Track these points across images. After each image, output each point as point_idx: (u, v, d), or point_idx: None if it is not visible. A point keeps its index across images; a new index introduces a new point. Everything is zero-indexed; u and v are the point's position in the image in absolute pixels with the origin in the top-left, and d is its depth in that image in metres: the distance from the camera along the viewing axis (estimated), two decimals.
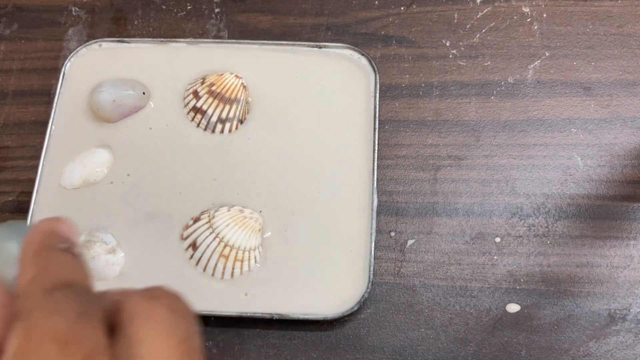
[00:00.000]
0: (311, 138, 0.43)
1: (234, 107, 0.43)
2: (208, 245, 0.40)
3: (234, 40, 0.46)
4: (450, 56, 0.46)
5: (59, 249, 0.20)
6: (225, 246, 0.39)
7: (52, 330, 0.16)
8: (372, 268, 0.39)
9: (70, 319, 0.17)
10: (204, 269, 0.40)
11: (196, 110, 0.43)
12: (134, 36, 0.48)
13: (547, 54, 0.46)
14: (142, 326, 0.18)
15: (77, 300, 0.18)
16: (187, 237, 0.41)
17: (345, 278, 0.40)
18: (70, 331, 0.16)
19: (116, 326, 0.18)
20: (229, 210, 0.41)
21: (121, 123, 0.44)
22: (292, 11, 0.48)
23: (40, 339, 0.16)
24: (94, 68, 0.46)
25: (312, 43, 0.45)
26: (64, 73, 0.46)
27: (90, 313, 0.17)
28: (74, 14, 0.50)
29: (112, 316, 0.18)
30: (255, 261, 0.40)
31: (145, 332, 0.18)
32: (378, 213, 0.42)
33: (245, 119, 0.44)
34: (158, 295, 0.19)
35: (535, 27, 0.47)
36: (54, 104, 0.45)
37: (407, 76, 0.46)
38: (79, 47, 0.46)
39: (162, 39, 0.46)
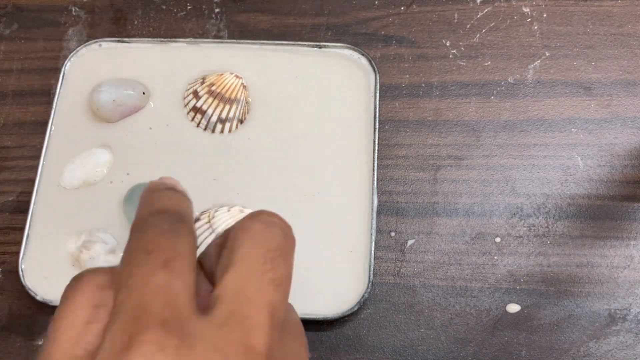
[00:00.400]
0: (311, 138, 0.43)
1: (234, 107, 0.43)
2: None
3: (234, 40, 0.46)
4: (451, 56, 0.46)
5: (162, 189, 0.25)
6: None
7: (140, 243, 0.21)
8: (372, 268, 0.39)
9: (156, 234, 0.21)
10: None
11: (196, 110, 0.43)
12: (134, 36, 0.48)
13: (547, 54, 0.46)
14: (240, 237, 0.22)
15: (166, 221, 0.22)
16: None
17: (345, 278, 0.40)
18: (154, 243, 0.21)
19: (227, 241, 0.22)
20: (229, 210, 0.41)
21: (121, 123, 0.44)
22: (292, 11, 0.48)
23: (134, 250, 0.21)
24: (93, 68, 0.46)
25: (312, 43, 0.45)
26: (63, 73, 0.46)
27: (176, 230, 0.21)
28: (73, 14, 0.50)
29: (226, 236, 0.23)
30: None
31: (241, 241, 0.22)
32: (378, 213, 0.42)
33: (245, 119, 0.44)
34: (259, 213, 0.23)
35: (536, 27, 0.47)
36: (54, 104, 0.45)
37: (407, 76, 0.46)
38: (79, 47, 0.46)
39: (162, 39, 0.46)
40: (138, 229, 0.22)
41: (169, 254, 0.20)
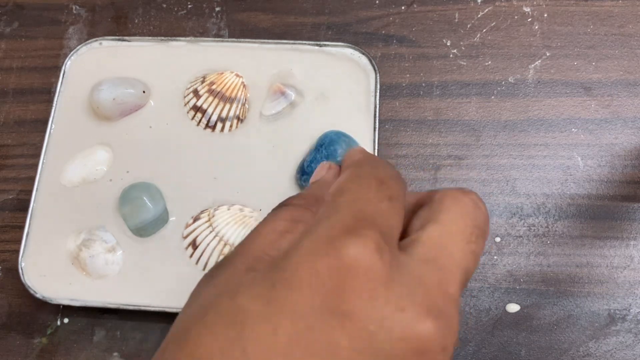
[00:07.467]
0: (311, 137, 0.43)
1: (234, 105, 0.43)
2: (208, 244, 0.40)
3: (235, 39, 0.46)
4: (451, 56, 0.46)
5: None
6: (225, 245, 0.39)
7: (375, 174, 0.23)
8: None
9: (388, 172, 0.23)
10: (204, 268, 0.40)
11: (196, 108, 0.43)
12: (134, 35, 0.48)
13: (547, 54, 0.46)
14: (448, 202, 0.23)
15: (390, 167, 0.24)
16: (187, 235, 0.41)
17: None
18: (386, 178, 0.23)
19: (426, 202, 0.24)
20: (229, 209, 0.41)
21: (121, 121, 0.44)
22: (292, 10, 0.48)
23: (367, 176, 0.23)
24: (94, 66, 0.46)
25: (312, 42, 0.45)
26: (64, 71, 0.46)
27: (398, 177, 0.23)
28: (74, 12, 0.50)
29: (424, 199, 0.24)
30: None
31: (451, 206, 0.23)
32: None
33: (245, 117, 0.44)
34: (469, 192, 0.24)
35: (536, 27, 0.47)
36: (54, 102, 0.45)
37: (408, 75, 0.46)
38: (80, 46, 0.46)
39: (163, 38, 0.46)
40: (371, 162, 0.24)
41: (395, 193, 0.22)
